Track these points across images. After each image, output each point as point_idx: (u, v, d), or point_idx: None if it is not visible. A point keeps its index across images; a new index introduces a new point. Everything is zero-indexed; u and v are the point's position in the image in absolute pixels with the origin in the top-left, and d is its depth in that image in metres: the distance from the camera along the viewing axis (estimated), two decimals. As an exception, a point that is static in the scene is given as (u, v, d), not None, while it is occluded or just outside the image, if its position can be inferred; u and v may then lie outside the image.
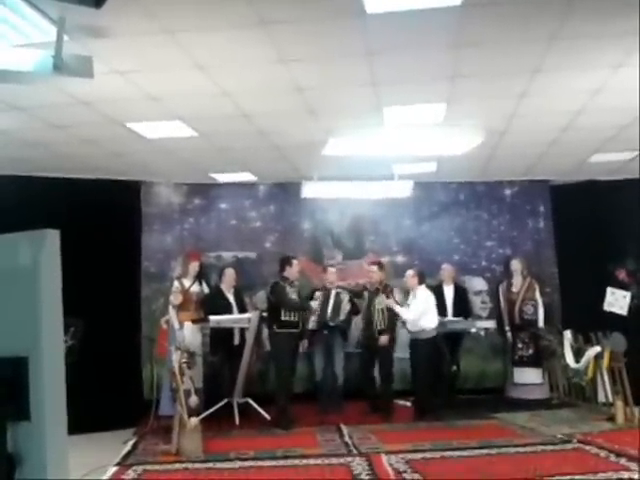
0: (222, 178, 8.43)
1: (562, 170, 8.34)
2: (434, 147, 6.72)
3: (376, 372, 7.69)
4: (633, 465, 4.92)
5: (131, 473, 5.24)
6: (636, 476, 4.66)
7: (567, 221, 8.71)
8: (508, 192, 9.04)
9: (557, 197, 8.94)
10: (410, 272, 7.60)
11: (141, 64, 4.46)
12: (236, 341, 7.48)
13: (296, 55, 4.37)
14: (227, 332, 7.36)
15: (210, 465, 5.38)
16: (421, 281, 7.49)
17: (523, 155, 7.62)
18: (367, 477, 4.90)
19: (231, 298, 7.66)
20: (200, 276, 7.69)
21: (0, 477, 2.79)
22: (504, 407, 7.61)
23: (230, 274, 7.74)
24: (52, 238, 2.90)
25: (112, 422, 6.76)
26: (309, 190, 8.27)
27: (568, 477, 4.69)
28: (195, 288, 7.53)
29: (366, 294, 7.76)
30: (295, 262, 7.42)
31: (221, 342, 7.36)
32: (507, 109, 5.71)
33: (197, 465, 5.38)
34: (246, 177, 8.38)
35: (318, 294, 7.70)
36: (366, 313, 7.67)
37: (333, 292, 7.72)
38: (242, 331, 7.48)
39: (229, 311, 7.50)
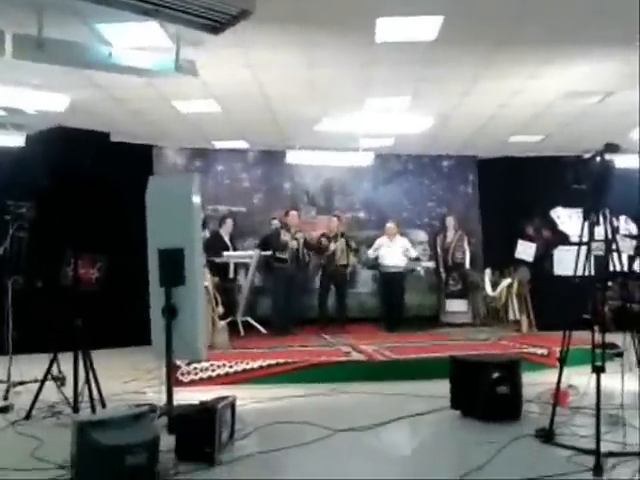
0: (219, 145, 10.32)
1: (487, 148, 10.73)
2: (397, 127, 8.89)
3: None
4: (531, 348, 7.33)
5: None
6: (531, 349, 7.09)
7: (489, 188, 11.15)
8: (446, 164, 11.41)
9: (482, 169, 11.40)
10: (391, 224, 9.85)
11: (207, 62, 6.30)
12: (230, 274, 9.54)
13: (321, 61, 6.38)
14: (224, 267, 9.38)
15: (236, 352, 7.42)
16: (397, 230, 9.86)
17: (458, 136, 9.91)
18: (355, 354, 7.10)
19: (228, 242, 9.69)
20: (203, 224, 9.65)
21: (168, 320, 4.88)
22: (439, 327, 10.04)
23: (229, 223, 9.78)
24: (197, 178, 5.13)
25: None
26: (291, 157, 10.31)
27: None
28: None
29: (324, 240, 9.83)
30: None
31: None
32: (452, 103, 7.94)
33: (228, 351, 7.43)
34: (240, 144, 10.31)
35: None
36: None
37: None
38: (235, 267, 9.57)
39: (227, 251, 9.52)
